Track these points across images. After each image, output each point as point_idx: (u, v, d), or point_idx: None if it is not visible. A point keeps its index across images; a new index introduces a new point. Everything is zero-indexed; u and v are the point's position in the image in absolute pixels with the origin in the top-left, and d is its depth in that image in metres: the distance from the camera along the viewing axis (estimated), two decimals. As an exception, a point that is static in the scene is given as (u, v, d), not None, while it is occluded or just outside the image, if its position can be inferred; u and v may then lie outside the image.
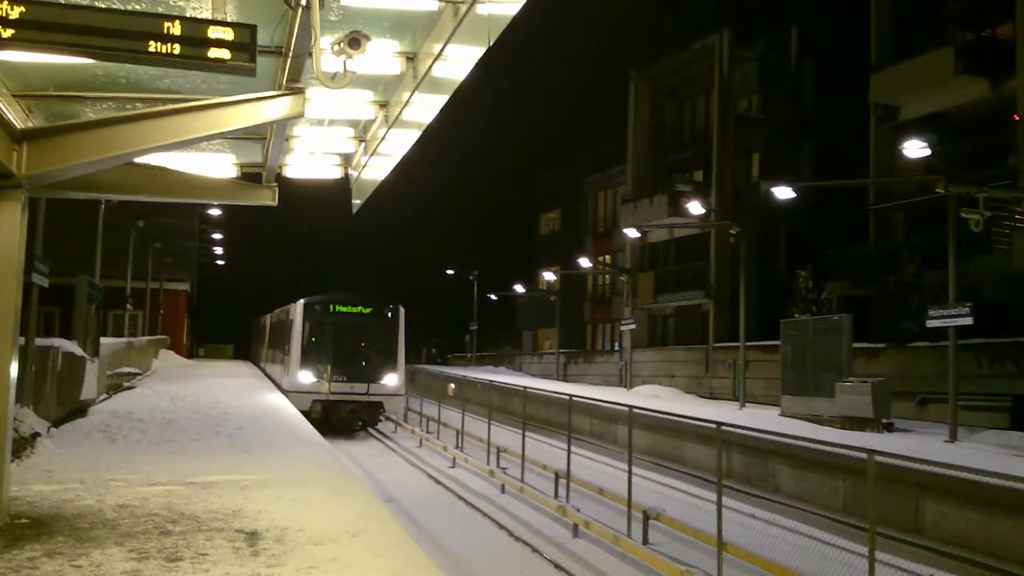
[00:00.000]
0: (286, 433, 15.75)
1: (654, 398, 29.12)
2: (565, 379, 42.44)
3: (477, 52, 8.91)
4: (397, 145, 12.87)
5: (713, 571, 11.52)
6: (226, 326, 68.68)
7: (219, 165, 13.84)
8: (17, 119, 9.56)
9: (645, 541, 13.55)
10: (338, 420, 27.93)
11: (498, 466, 20.57)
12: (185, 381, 27.69)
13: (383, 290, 31.24)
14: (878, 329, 26.33)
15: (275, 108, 8.74)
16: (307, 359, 28.55)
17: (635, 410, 16.09)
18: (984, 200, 18.87)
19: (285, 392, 27.22)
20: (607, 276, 48.54)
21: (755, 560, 11.84)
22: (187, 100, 8.90)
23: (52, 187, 10.46)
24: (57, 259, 15.95)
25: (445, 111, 10.94)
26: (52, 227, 16.79)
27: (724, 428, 13.13)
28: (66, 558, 6.63)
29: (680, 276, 37.69)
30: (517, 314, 56.19)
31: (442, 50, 8.93)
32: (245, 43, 6.84)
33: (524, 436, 20.19)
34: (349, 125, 12.98)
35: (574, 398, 20.25)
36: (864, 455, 9.95)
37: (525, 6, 7.79)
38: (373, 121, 12.36)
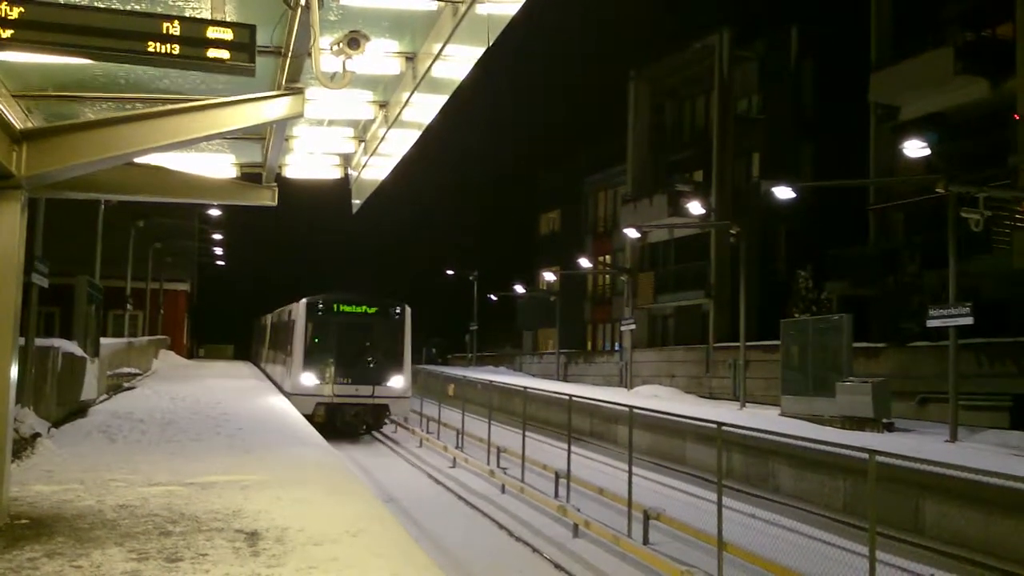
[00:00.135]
0: (286, 433, 15.75)
1: (654, 398, 29.12)
2: (565, 379, 42.43)
3: (477, 52, 8.92)
4: (397, 145, 12.87)
5: (713, 571, 11.52)
6: (226, 326, 68.73)
7: (219, 165, 13.84)
8: (17, 119, 9.56)
9: (645, 541, 13.55)
10: (342, 424, 27.28)
11: (498, 466, 20.57)
12: (185, 381, 27.68)
13: (383, 290, 30.70)
14: (878, 329, 26.33)
15: (275, 108, 8.73)
16: (310, 361, 27.74)
17: (635, 410, 16.09)
18: (984, 200, 18.87)
19: (287, 395, 26.59)
20: (607, 276, 48.56)
21: (755, 560, 11.84)
22: (186, 100, 8.90)
23: (52, 187, 10.47)
24: (57, 259, 15.95)
25: (445, 111, 10.95)
26: (52, 227, 16.77)
27: (724, 428, 13.14)
28: (66, 558, 6.63)
29: (680, 276, 37.69)
30: (517, 314, 56.20)
31: (442, 50, 8.93)
32: (244, 43, 6.83)
33: (524, 436, 20.20)
34: (349, 125, 12.98)
35: (574, 398, 20.25)
36: (864, 455, 9.95)
37: (525, 6, 7.79)
38: (373, 121, 12.35)
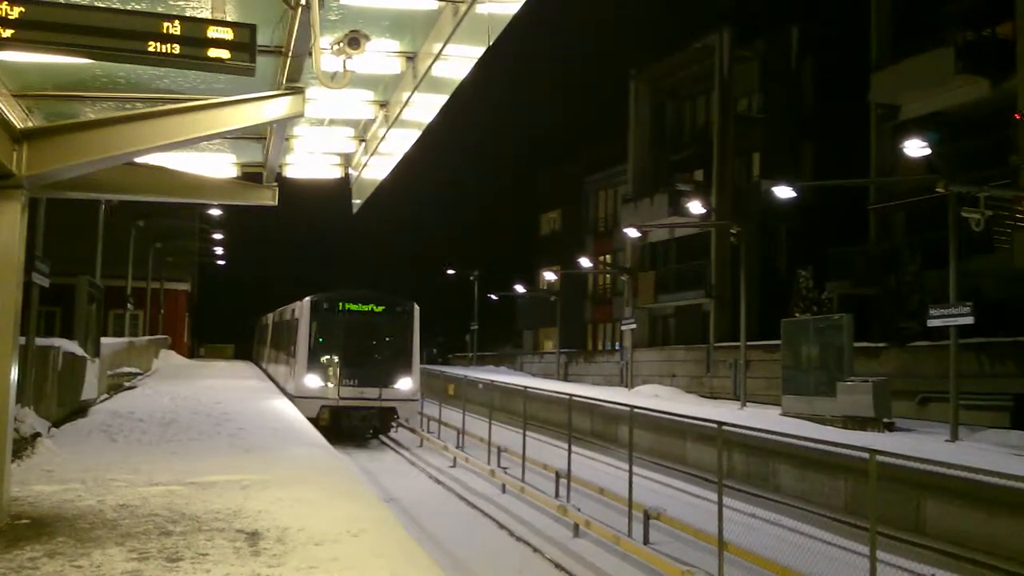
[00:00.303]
0: (287, 433, 15.74)
1: (655, 398, 29.11)
2: (566, 379, 42.42)
3: (477, 52, 8.92)
4: (397, 145, 12.88)
5: (714, 571, 11.51)
6: (227, 326, 68.73)
7: (219, 165, 13.85)
8: (17, 119, 9.57)
9: (646, 541, 13.54)
10: (348, 427, 26.13)
11: (499, 466, 20.56)
12: (186, 381, 27.66)
13: (383, 290, 30.22)
14: (879, 328, 26.31)
15: (275, 108, 8.74)
16: (315, 362, 26.43)
17: (636, 410, 16.09)
18: (985, 199, 18.86)
19: (291, 397, 25.63)
20: (608, 276, 48.55)
21: (756, 560, 11.84)
22: (187, 100, 8.91)
23: (52, 187, 10.48)
24: (57, 259, 15.94)
25: (445, 111, 10.95)
26: (52, 227, 16.77)
27: (725, 428, 13.13)
28: (67, 558, 6.63)
29: (681, 276, 37.68)
30: (518, 314, 56.19)
31: (442, 50, 8.93)
32: (245, 43, 6.83)
33: (525, 436, 20.18)
34: (349, 125, 12.98)
35: (575, 398, 20.25)
36: (865, 454, 9.95)
37: (525, 5, 7.79)
38: (373, 121, 12.36)
